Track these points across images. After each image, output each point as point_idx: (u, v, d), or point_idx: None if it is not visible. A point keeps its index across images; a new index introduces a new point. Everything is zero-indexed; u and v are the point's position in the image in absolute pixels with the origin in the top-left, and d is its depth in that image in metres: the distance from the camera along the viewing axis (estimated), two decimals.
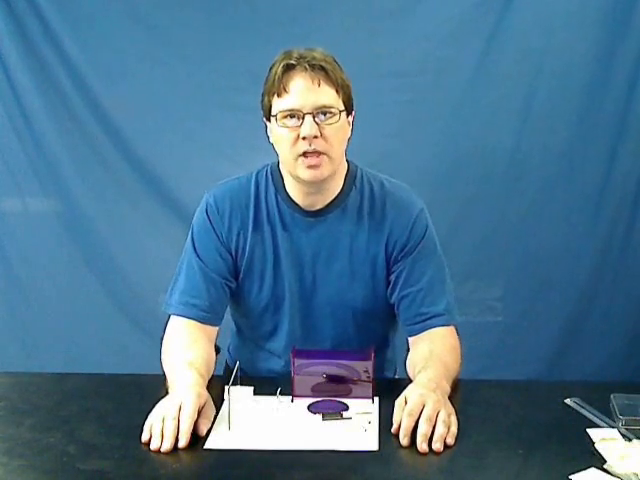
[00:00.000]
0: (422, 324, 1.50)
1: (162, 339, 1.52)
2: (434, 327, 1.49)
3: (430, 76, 2.39)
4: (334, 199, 1.52)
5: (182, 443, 1.19)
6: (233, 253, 1.54)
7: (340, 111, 1.43)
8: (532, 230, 2.48)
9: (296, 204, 1.52)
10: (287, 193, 1.52)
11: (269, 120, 1.47)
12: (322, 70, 1.40)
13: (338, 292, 1.53)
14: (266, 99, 1.46)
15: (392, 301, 1.54)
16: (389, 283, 1.54)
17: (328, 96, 1.41)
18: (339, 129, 1.43)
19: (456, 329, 1.52)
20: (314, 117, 1.40)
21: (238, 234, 1.53)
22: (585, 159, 2.43)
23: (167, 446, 1.19)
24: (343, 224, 1.53)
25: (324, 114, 1.41)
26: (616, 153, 2.42)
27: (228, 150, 2.42)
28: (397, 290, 1.53)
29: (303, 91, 1.40)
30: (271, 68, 1.45)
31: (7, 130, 2.47)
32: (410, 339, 1.53)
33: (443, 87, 2.40)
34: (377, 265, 1.53)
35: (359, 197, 1.54)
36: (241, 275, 1.55)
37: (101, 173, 2.49)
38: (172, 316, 1.53)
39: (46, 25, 2.39)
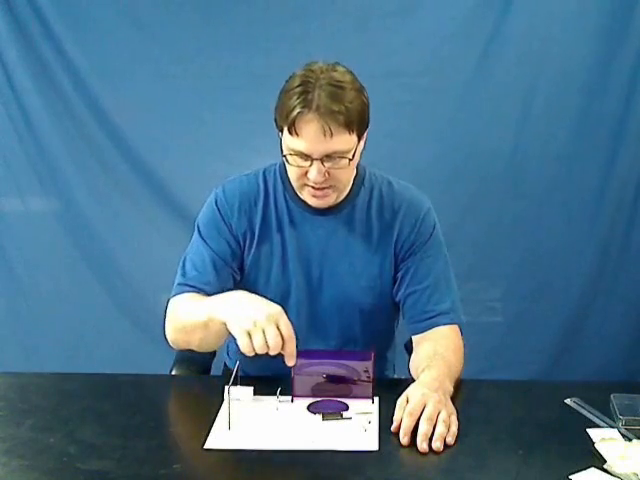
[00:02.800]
0: (427, 322, 1.50)
1: (163, 339, 1.51)
2: (439, 325, 1.49)
3: (429, 77, 2.39)
4: (343, 199, 1.53)
5: (292, 363, 1.27)
6: (241, 245, 1.54)
7: (352, 155, 1.41)
8: (532, 231, 2.48)
9: (304, 202, 1.52)
10: (295, 192, 1.53)
11: (281, 132, 1.43)
12: (333, 118, 1.35)
13: (345, 291, 1.53)
14: (279, 121, 1.42)
15: (397, 299, 1.55)
16: (395, 281, 1.54)
17: (339, 142, 1.38)
18: (348, 167, 1.43)
19: (460, 329, 1.52)
20: (323, 161, 1.39)
21: (246, 229, 1.53)
22: (584, 160, 2.43)
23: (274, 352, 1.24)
24: (351, 223, 1.53)
25: (334, 159, 1.39)
26: (615, 155, 2.42)
27: (227, 150, 2.42)
28: (403, 288, 1.53)
29: (314, 139, 1.36)
30: (287, 91, 1.39)
31: (7, 130, 2.47)
32: (414, 338, 1.53)
33: (442, 88, 2.40)
34: (385, 264, 1.53)
35: (368, 197, 1.55)
36: (247, 270, 1.54)
37: (101, 173, 2.50)
38: (175, 297, 1.51)
39: (46, 25, 2.38)
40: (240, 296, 1.34)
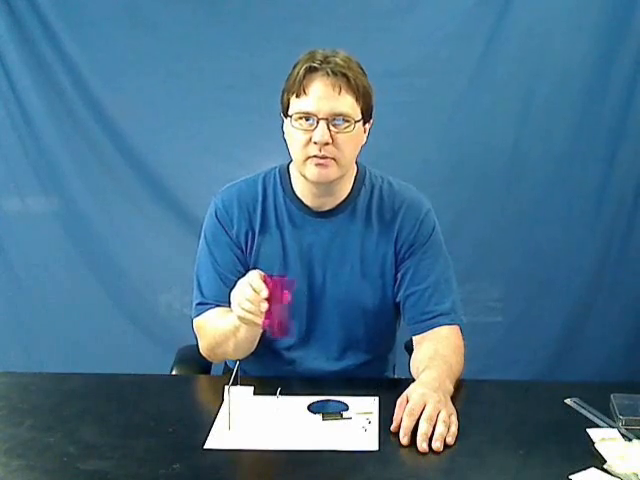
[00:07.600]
0: (427, 322, 1.50)
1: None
2: (439, 326, 1.49)
3: (429, 77, 2.39)
4: (344, 200, 1.53)
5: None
6: (244, 251, 1.55)
7: (356, 121, 1.43)
8: (532, 230, 2.48)
9: (305, 205, 1.52)
10: (296, 195, 1.53)
11: (285, 117, 1.47)
12: (344, 77, 1.40)
13: (348, 292, 1.53)
14: (285, 96, 1.46)
15: (398, 299, 1.55)
16: (396, 281, 1.54)
17: (346, 104, 1.41)
18: (352, 137, 1.44)
19: (461, 329, 1.52)
20: (328, 123, 1.40)
21: (246, 235, 1.54)
22: (585, 159, 2.43)
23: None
24: (353, 224, 1.53)
25: (339, 122, 1.41)
26: (615, 154, 2.42)
27: (227, 149, 2.42)
28: (403, 288, 1.53)
29: (321, 96, 1.40)
30: (294, 67, 1.45)
31: (7, 130, 2.47)
32: (415, 338, 1.53)
33: (442, 88, 2.40)
34: (386, 264, 1.53)
35: (368, 197, 1.55)
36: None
37: (101, 173, 2.50)
38: (198, 317, 1.55)
39: (46, 25, 2.39)
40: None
